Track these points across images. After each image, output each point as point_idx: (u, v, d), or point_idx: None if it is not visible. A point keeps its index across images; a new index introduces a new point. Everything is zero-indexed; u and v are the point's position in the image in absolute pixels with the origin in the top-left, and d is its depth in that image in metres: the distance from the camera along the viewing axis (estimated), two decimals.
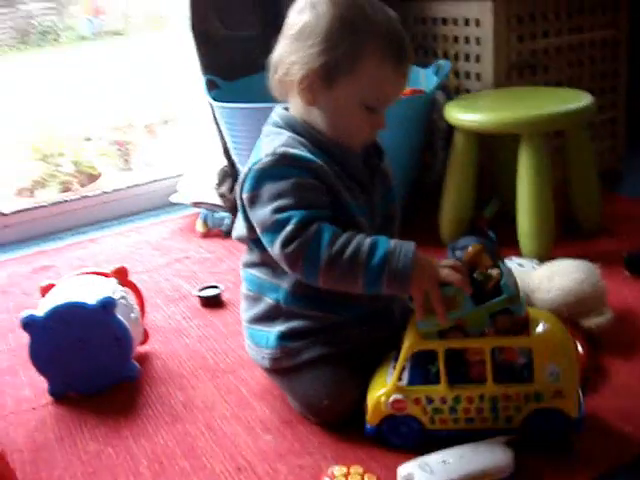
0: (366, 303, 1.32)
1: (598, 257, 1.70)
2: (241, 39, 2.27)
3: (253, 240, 1.32)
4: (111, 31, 3.30)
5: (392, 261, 1.16)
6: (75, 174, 2.89)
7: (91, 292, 1.47)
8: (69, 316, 1.43)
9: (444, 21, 2.34)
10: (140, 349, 1.62)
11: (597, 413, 1.28)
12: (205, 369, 1.55)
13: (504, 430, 1.19)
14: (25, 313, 1.43)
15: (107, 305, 1.43)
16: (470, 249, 1.22)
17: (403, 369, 1.21)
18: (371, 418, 1.23)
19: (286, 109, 1.35)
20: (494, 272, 1.19)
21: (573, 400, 1.18)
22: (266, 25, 2.25)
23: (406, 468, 1.14)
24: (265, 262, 1.33)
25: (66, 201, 2.59)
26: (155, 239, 2.33)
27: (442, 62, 2.16)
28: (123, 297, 1.52)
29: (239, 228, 1.37)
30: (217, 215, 2.29)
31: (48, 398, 1.48)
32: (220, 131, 2.26)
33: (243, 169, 1.30)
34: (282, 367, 1.34)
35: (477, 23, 2.19)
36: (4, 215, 2.51)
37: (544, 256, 1.76)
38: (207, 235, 2.30)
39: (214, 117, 2.24)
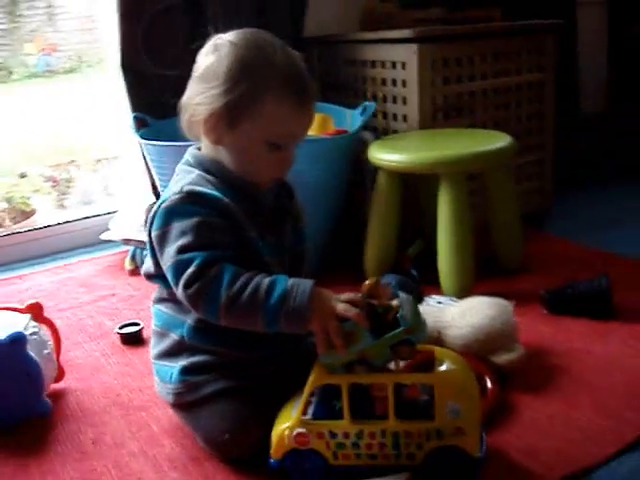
0: (270, 342, 1.33)
1: (517, 295, 1.74)
2: (171, 78, 2.28)
3: (160, 276, 1.33)
4: (63, 69, 3.30)
5: (289, 299, 1.18)
6: (8, 210, 2.86)
7: (1, 327, 1.45)
8: None
9: (372, 63, 2.39)
10: (55, 386, 1.60)
11: (504, 449, 1.30)
12: (118, 406, 1.53)
13: (407, 467, 1.20)
14: None
15: (17, 340, 1.42)
16: (366, 282, 1.23)
17: (309, 404, 1.22)
18: (275, 452, 1.23)
19: (199, 149, 1.37)
20: (394, 303, 1.21)
21: (474, 438, 1.19)
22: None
23: None
24: (171, 298, 1.34)
25: None
26: (83, 276, 2.32)
27: (368, 103, 2.20)
28: (35, 333, 1.51)
29: (147, 264, 1.37)
30: (145, 253, 2.27)
31: None
32: (148, 168, 2.26)
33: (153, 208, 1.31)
34: (185, 402, 1.34)
35: (403, 66, 2.23)
36: None
37: (464, 294, 1.78)
38: (135, 272, 2.28)
39: (143, 155, 2.25)
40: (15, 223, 2.84)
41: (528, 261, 2.14)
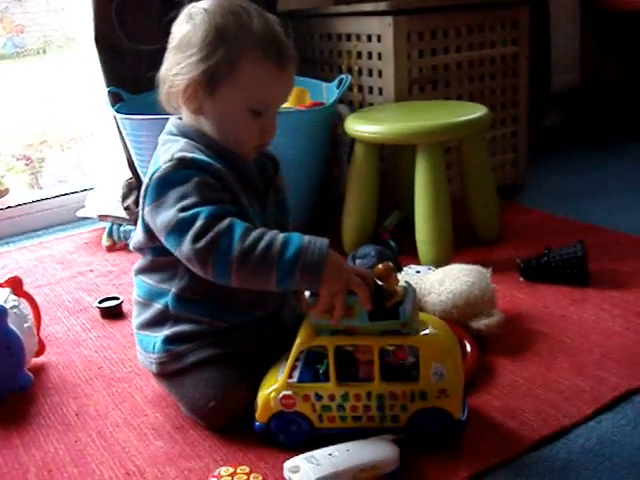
0: (254, 311, 1.34)
1: (494, 264, 1.77)
2: (146, 52, 2.27)
3: (151, 248, 1.33)
4: (31, 49, 3.26)
5: (306, 254, 1.15)
6: None
7: None
8: None
9: (348, 37, 2.39)
10: (36, 360, 1.60)
11: (484, 411, 1.32)
12: (100, 378, 1.53)
13: (391, 429, 1.22)
14: None
15: None
16: (380, 266, 1.23)
17: (294, 368, 1.23)
18: (260, 415, 1.24)
19: (180, 119, 1.36)
20: (398, 291, 1.22)
21: (458, 401, 1.21)
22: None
23: (292, 461, 1.16)
24: (155, 267, 1.34)
25: None
26: (60, 253, 2.31)
27: (344, 76, 2.20)
28: (15, 307, 1.50)
29: (137, 237, 1.36)
30: (122, 228, 2.27)
31: None
32: (125, 144, 2.25)
33: (145, 180, 1.30)
34: (169, 371, 1.34)
35: (379, 39, 2.24)
36: None
37: (442, 264, 1.79)
38: (112, 248, 2.28)
39: (118, 130, 2.24)
40: None
41: (504, 232, 2.17)
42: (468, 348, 1.46)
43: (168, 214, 1.22)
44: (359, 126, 1.95)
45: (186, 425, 1.34)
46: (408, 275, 1.73)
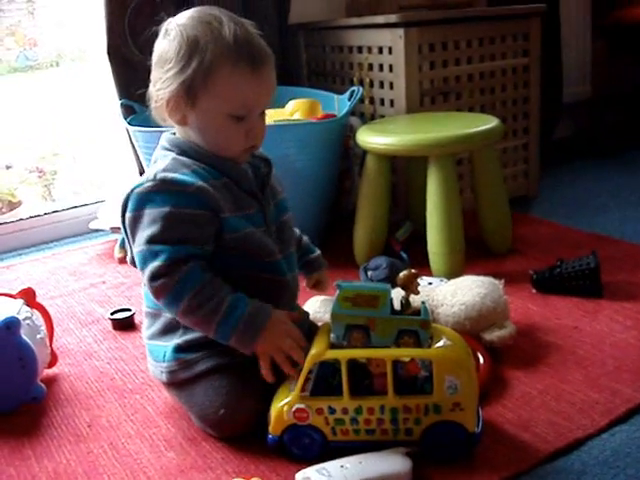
0: None
1: (506, 275, 1.76)
2: None
3: None
4: (44, 62, 3.28)
5: (243, 329, 1.24)
6: None
7: None
8: None
9: (359, 49, 2.40)
10: (48, 371, 1.60)
11: (498, 423, 1.31)
12: (113, 390, 1.53)
13: (405, 442, 1.21)
14: None
15: (11, 325, 1.41)
16: (404, 273, 1.26)
17: (307, 380, 1.23)
18: (274, 428, 1.24)
19: (174, 134, 1.38)
20: (416, 303, 1.24)
21: (472, 414, 1.20)
22: None
23: (304, 472, 1.16)
24: None
25: None
26: (72, 265, 2.31)
27: (355, 88, 2.21)
28: (28, 318, 1.50)
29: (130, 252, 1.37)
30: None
31: None
32: (137, 156, 2.27)
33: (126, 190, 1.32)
34: (179, 380, 1.34)
35: (390, 51, 2.25)
36: None
37: (454, 275, 1.78)
38: (124, 260, 2.27)
39: (131, 142, 2.25)
40: (1, 214, 2.83)
41: (516, 243, 2.16)
42: (481, 360, 1.45)
43: (140, 236, 1.26)
44: (371, 138, 1.95)
45: (198, 437, 1.34)
46: (420, 287, 1.72)
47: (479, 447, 1.23)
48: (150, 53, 2.26)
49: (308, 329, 1.39)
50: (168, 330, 1.36)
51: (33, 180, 3.02)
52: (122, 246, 2.30)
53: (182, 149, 1.32)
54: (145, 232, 1.25)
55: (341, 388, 1.20)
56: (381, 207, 2.02)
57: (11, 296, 1.58)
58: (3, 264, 2.39)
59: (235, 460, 1.26)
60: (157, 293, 1.25)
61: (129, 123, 2.17)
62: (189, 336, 1.33)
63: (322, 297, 1.67)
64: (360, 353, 1.21)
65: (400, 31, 2.18)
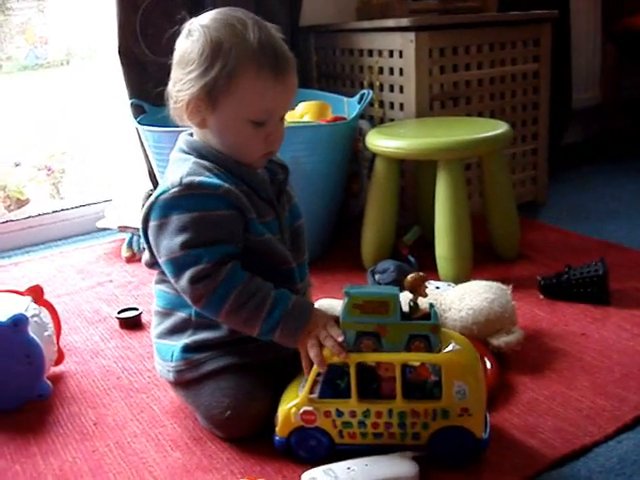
0: None
1: (514, 281, 1.76)
2: (169, 65, 2.28)
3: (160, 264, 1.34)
4: (54, 61, 3.29)
5: (287, 321, 1.24)
6: (3, 199, 2.86)
7: (3, 309, 1.45)
8: None
9: (370, 52, 2.40)
10: (55, 369, 1.60)
11: (505, 428, 1.31)
12: (119, 388, 1.54)
13: (412, 446, 1.21)
14: None
15: (18, 322, 1.42)
16: (412, 275, 1.25)
17: (315, 382, 1.23)
18: (281, 430, 1.24)
19: (191, 134, 1.37)
20: (424, 306, 1.24)
21: (480, 420, 1.20)
22: None
23: (310, 473, 1.16)
24: None
25: None
26: (80, 263, 2.32)
27: (365, 91, 2.21)
28: (36, 315, 1.51)
29: (146, 255, 1.38)
30: (142, 240, 2.28)
31: None
32: (146, 155, 2.27)
33: (151, 197, 1.30)
34: (186, 379, 1.34)
35: (400, 54, 2.25)
36: None
37: (461, 280, 1.78)
38: (132, 259, 2.29)
39: (140, 141, 2.25)
40: (10, 212, 2.84)
41: (524, 249, 2.16)
42: (488, 365, 1.45)
43: (171, 244, 1.25)
44: (380, 141, 1.95)
45: (204, 437, 1.34)
46: (427, 291, 1.72)
47: (485, 452, 1.23)
48: (161, 53, 2.29)
49: None
50: (177, 330, 1.36)
51: (42, 178, 3.03)
52: (129, 245, 2.31)
53: (201, 153, 1.31)
54: (177, 238, 1.24)
55: (349, 391, 1.20)
56: (389, 210, 2.02)
57: (19, 293, 1.58)
58: (11, 261, 2.39)
59: (241, 461, 1.26)
60: (199, 297, 1.24)
61: (139, 123, 2.17)
62: (198, 336, 1.33)
63: (328, 300, 1.67)
64: (370, 357, 1.21)
65: (411, 35, 2.18)
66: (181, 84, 1.28)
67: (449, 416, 1.19)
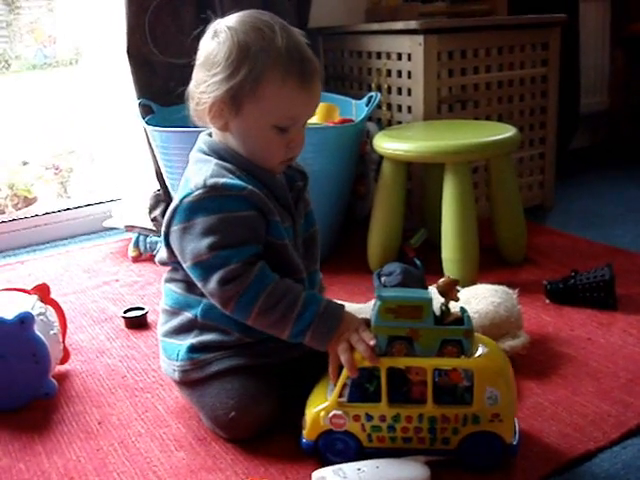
0: None
1: (520, 285, 1.76)
2: (177, 66, 2.29)
3: (176, 262, 1.33)
4: (62, 60, 3.30)
5: (319, 323, 1.23)
6: (10, 197, 2.87)
7: (9, 307, 1.45)
8: None
9: (378, 55, 2.40)
10: (60, 368, 1.60)
11: None
12: (124, 388, 1.54)
13: (441, 451, 1.20)
14: None
15: (25, 320, 1.42)
16: (443, 279, 1.24)
17: (344, 386, 1.21)
18: (309, 433, 1.23)
19: (210, 134, 1.36)
20: (455, 310, 1.23)
21: (510, 425, 1.19)
22: None
23: (320, 472, 1.16)
24: (187, 279, 1.34)
25: None
26: (86, 262, 2.32)
27: (373, 94, 2.21)
28: (42, 313, 1.51)
29: (162, 255, 1.37)
30: (149, 239, 2.28)
31: None
32: (154, 156, 2.27)
33: (174, 200, 1.30)
34: (191, 379, 1.34)
35: (409, 57, 2.25)
36: None
37: (467, 283, 1.78)
38: (138, 259, 2.29)
39: (148, 142, 2.26)
40: (17, 210, 2.85)
41: (531, 253, 2.16)
42: None
43: (197, 247, 1.24)
44: (387, 144, 1.95)
45: (208, 437, 1.34)
46: (434, 294, 1.72)
47: (514, 458, 1.22)
48: (169, 53, 2.30)
49: None
50: (183, 329, 1.36)
51: (49, 177, 3.04)
52: (136, 245, 2.31)
53: (221, 155, 1.30)
54: (204, 241, 1.23)
55: (378, 395, 1.19)
56: (396, 213, 2.02)
57: (26, 292, 1.58)
58: (17, 259, 2.40)
59: (245, 462, 1.26)
60: (229, 299, 1.23)
61: (147, 122, 2.17)
62: (204, 337, 1.33)
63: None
64: (401, 361, 1.19)
65: (420, 38, 2.18)
66: (205, 86, 1.26)
67: (480, 421, 1.18)
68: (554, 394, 1.43)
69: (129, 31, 2.24)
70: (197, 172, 1.28)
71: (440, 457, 1.20)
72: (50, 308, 1.59)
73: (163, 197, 2.35)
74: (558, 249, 2.24)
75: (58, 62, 3.27)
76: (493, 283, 1.68)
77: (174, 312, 1.38)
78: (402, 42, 2.26)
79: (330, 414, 1.20)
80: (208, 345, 1.33)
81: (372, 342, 1.18)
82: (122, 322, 1.85)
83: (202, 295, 1.33)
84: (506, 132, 1.95)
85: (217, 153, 1.31)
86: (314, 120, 2.18)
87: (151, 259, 2.28)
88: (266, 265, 1.25)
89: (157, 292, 2.02)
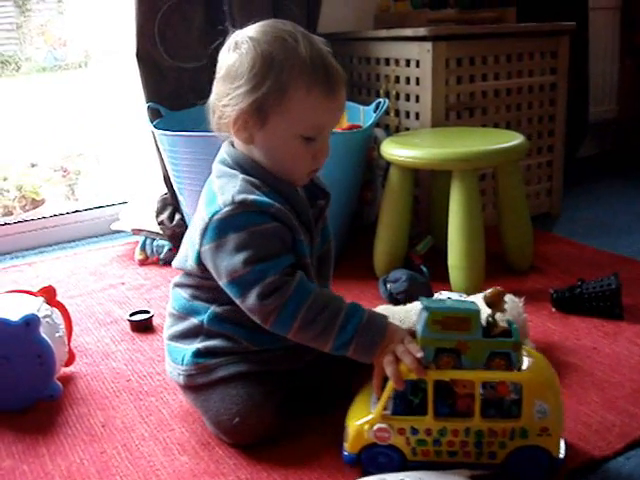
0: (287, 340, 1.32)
1: (527, 294, 1.75)
2: (187, 70, 2.30)
3: (207, 277, 1.31)
4: (72, 63, 3.31)
5: (363, 334, 1.21)
6: (18, 199, 2.88)
7: (15, 309, 1.46)
8: None
9: (387, 61, 2.40)
10: (65, 370, 1.61)
11: None
12: (128, 391, 1.54)
13: (487, 465, 1.18)
14: None
15: (30, 322, 1.42)
16: (491, 290, 1.22)
17: (389, 399, 1.19)
18: (352, 446, 1.20)
19: (232, 143, 1.34)
20: (502, 322, 1.21)
21: (558, 439, 1.18)
22: (212, 57, 2.27)
23: None
24: (198, 286, 1.34)
25: (6, 224, 2.56)
26: (93, 265, 2.33)
27: (381, 100, 2.21)
28: (48, 316, 1.51)
29: (186, 262, 1.34)
30: (156, 243, 2.29)
31: None
32: (162, 159, 2.28)
33: (201, 218, 1.27)
34: (196, 384, 1.34)
35: (417, 64, 2.25)
36: None
37: (473, 290, 1.77)
38: (145, 262, 2.30)
39: (156, 145, 2.26)
40: (25, 212, 2.86)
41: (538, 261, 2.15)
42: None
43: (232, 263, 1.21)
44: (395, 150, 1.95)
45: (212, 442, 1.34)
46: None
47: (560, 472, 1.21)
48: (179, 58, 2.30)
49: None
50: (189, 334, 1.36)
51: (57, 179, 3.05)
52: (143, 248, 2.31)
53: (245, 169, 1.28)
54: (238, 257, 1.21)
55: (422, 407, 1.17)
56: (403, 220, 2.02)
57: (32, 293, 1.59)
58: (25, 261, 2.41)
59: (248, 467, 1.26)
60: (269, 313, 1.21)
61: (155, 126, 2.18)
62: (210, 342, 1.33)
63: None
64: (449, 374, 1.16)
65: (428, 45, 2.18)
66: (228, 99, 1.24)
67: (528, 435, 1.16)
68: None
69: (139, 34, 2.24)
70: (224, 187, 1.26)
71: (485, 472, 1.18)
72: (56, 310, 1.60)
73: (170, 201, 2.35)
74: (565, 257, 2.23)
75: (68, 65, 3.28)
76: None
77: (180, 316, 1.38)
78: (411, 49, 2.26)
79: (375, 427, 1.18)
80: (214, 351, 1.33)
81: (419, 355, 1.15)
82: (128, 325, 1.85)
83: (209, 302, 1.33)
84: (514, 140, 1.95)
85: (241, 167, 1.29)
86: None
87: (157, 262, 2.29)
88: (304, 275, 1.23)
89: (163, 296, 2.02)
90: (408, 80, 2.32)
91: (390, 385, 1.17)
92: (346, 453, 1.21)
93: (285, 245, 1.25)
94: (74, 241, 2.61)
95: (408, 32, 2.28)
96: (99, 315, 1.94)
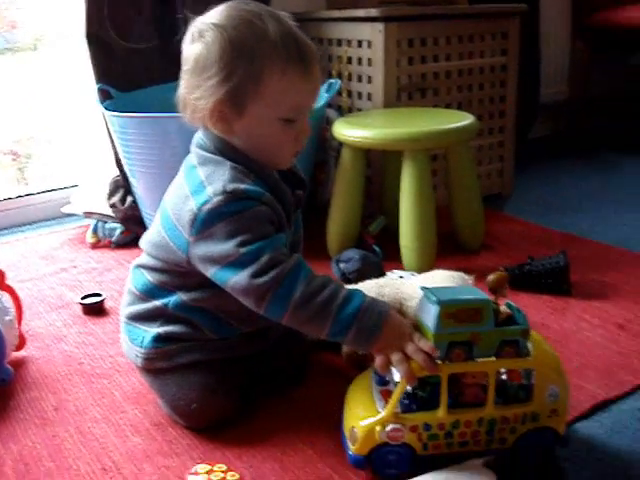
0: (246, 327, 1.33)
1: (477, 271, 1.76)
2: (137, 51, 2.28)
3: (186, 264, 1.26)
4: (23, 45, 3.26)
5: (363, 319, 1.14)
6: None
7: None
8: None
9: (339, 42, 2.41)
10: (16, 354, 1.59)
11: None
12: (80, 374, 1.53)
13: (495, 450, 1.17)
14: None
15: None
16: (494, 275, 1.20)
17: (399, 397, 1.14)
18: (360, 448, 1.15)
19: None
20: (504, 308, 1.19)
21: (564, 418, 1.18)
22: (163, 37, 2.26)
23: None
24: (167, 270, 1.30)
25: None
26: (44, 249, 2.30)
27: (333, 81, 2.21)
28: None
29: (151, 244, 1.31)
30: (108, 226, 2.27)
31: None
32: (112, 141, 2.26)
33: (187, 209, 1.21)
34: (155, 368, 1.33)
35: (369, 45, 2.25)
36: None
37: (425, 269, 1.79)
38: (97, 245, 2.28)
39: (107, 127, 2.24)
40: None
41: (488, 240, 2.18)
42: None
43: (226, 248, 1.16)
44: (347, 130, 1.96)
45: (165, 422, 1.34)
46: (391, 279, 1.73)
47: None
48: (129, 38, 2.28)
49: (279, 333, 1.40)
50: (151, 316, 1.33)
51: (7, 163, 3.00)
52: (95, 231, 2.29)
53: (231, 158, 1.23)
54: (231, 241, 1.16)
55: (432, 401, 1.14)
56: (355, 200, 2.03)
57: None
58: None
59: (201, 446, 1.26)
60: (266, 291, 1.14)
61: (105, 108, 2.15)
62: (170, 327, 1.31)
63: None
64: (462, 367, 1.13)
65: (380, 25, 2.19)
66: (200, 91, 1.19)
67: (539, 418, 1.15)
68: None
69: (88, 15, 2.21)
70: (212, 176, 1.21)
71: (493, 456, 1.17)
72: (6, 294, 1.58)
73: (122, 183, 2.33)
74: (515, 236, 2.26)
75: (18, 47, 3.22)
76: (450, 269, 1.69)
77: (142, 297, 1.35)
78: (362, 29, 2.27)
79: (388, 428, 1.13)
80: (174, 336, 1.31)
81: (435, 353, 1.10)
82: (79, 309, 1.83)
83: (176, 287, 1.30)
84: (465, 120, 1.97)
85: (223, 154, 1.24)
86: None
87: (109, 245, 2.27)
88: (301, 256, 1.20)
89: (115, 279, 2.01)
90: (360, 61, 2.32)
91: (402, 384, 1.13)
92: (352, 455, 1.16)
93: (278, 225, 1.22)
94: (25, 225, 2.58)
95: (360, 13, 2.28)
96: (50, 299, 1.92)
